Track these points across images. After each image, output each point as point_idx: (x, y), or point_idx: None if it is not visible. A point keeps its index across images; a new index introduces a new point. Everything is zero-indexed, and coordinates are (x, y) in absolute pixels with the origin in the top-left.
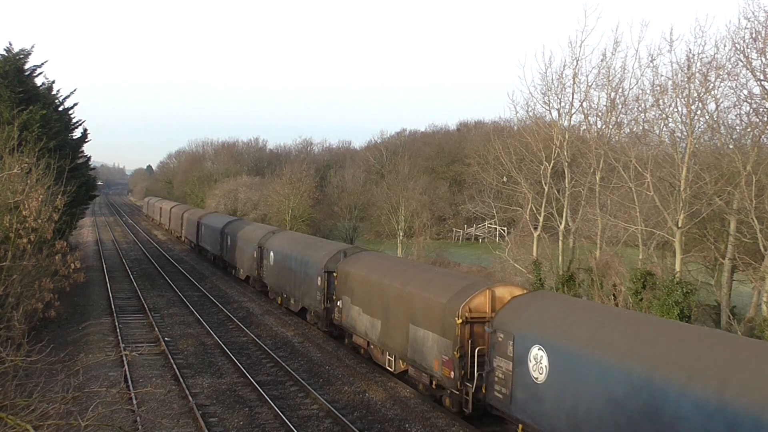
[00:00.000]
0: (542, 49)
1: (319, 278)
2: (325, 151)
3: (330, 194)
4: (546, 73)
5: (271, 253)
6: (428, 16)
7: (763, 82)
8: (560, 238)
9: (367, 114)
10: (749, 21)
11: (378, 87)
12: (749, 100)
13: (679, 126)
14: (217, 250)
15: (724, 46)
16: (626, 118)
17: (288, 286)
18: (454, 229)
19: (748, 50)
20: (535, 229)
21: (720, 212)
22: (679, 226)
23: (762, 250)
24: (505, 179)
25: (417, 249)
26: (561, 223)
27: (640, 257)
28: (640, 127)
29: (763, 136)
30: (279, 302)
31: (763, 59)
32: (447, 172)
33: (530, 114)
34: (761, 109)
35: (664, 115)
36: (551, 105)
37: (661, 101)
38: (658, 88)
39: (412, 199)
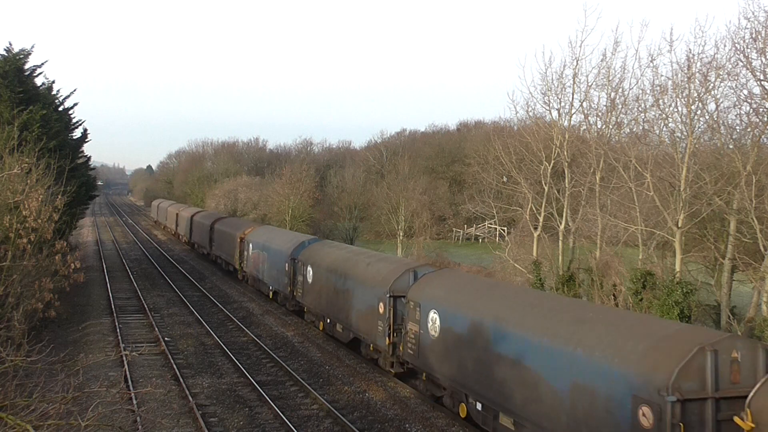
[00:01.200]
0: (542, 49)
1: (643, 411)
2: (325, 151)
3: (330, 194)
4: (546, 73)
5: (433, 317)
6: (428, 16)
7: (763, 82)
8: (560, 238)
9: (367, 114)
10: (749, 21)
11: (378, 87)
12: (749, 100)
13: (679, 126)
14: (282, 287)
15: (724, 46)
16: (626, 118)
17: (494, 391)
18: (454, 229)
19: (748, 50)
20: (535, 229)
21: (720, 212)
22: (679, 226)
23: (762, 250)
24: (505, 179)
25: (417, 249)
26: (561, 223)
27: (640, 257)
28: (640, 127)
29: (763, 136)
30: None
31: (763, 59)
32: (447, 172)
33: (530, 114)
34: (761, 109)
35: (664, 115)
36: (551, 105)
37: (661, 101)
38: (658, 88)
39: (412, 199)
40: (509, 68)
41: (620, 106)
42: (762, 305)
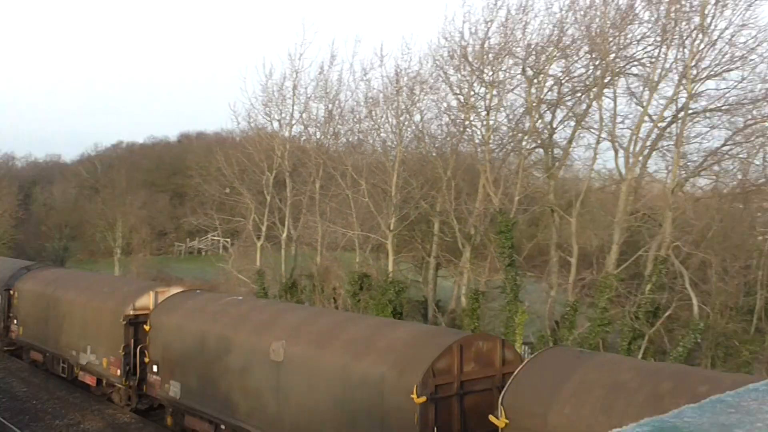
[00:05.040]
0: (263, 62)
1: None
2: (30, 166)
3: (37, 213)
4: (267, 84)
5: None
6: (144, 19)
7: (459, 96)
8: (283, 246)
9: (78, 125)
10: (447, 41)
11: (89, 95)
12: (448, 112)
13: (390, 135)
14: None
15: (427, 62)
16: (343, 128)
17: None
18: (176, 243)
19: (447, 67)
20: (259, 238)
21: (426, 215)
22: (391, 229)
23: (461, 247)
24: (227, 190)
25: (136, 266)
26: (283, 232)
27: (357, 260)
28: (356, 137)
29: (460, 144)
30: None
31: (459, 75)
32: (168, 185)
33: (252, 125)
34: (458, 120)
35: (376, 126)
36: (272, 116)
37: (373, 112)
38: (371, 100)
39: (130, 214)
40: (231, 79)
41: (337, 117)
42: (461, 297)
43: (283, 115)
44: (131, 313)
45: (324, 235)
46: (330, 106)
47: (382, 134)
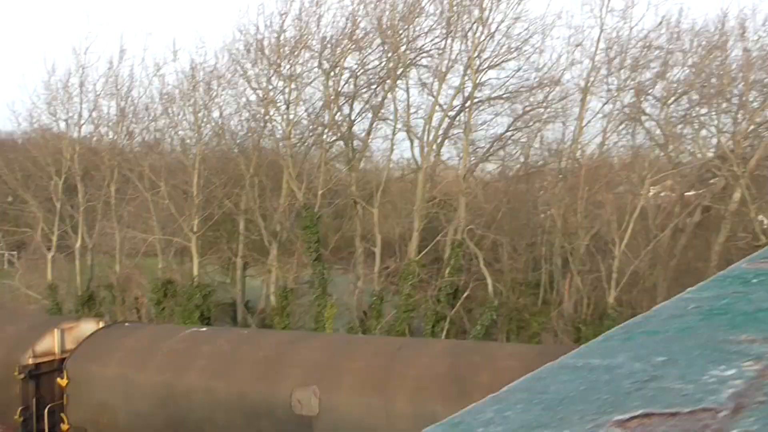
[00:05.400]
0: (44, 56)
1: None
2: None
3: None
4: (50, 81)
5: None
6: None
7: (257, 90)
8: (77, 256)
9: None
10: (242, 34)
11: None
12: (248, 107)
13: (189, 133)
14: None
15: (223, 57)
16: (137, 127)
17: None
18: None
19: (243, 61)
20: (49, 249)
21: (230, 214)
22: (195, 231)
23: (267, 245)
24: (10, 199)
25: None
26: (77, 241)
27: (160, 266)
28: (152, 136)
29: (262, 140)
30: None
31: (257, 69)
32: None
33: (35, 125)
34: (258, 115)
35: (173, 123)
36: (58, 115)
37: (170, 109)
38: (166, 96)
39: None
40: (7, 75)
41: (131, 115)
42: (270, 296)
43: (71, 114)
44: (30, 362)
45: (122, 241)
46: (122, 103)
47: (180, 132)
